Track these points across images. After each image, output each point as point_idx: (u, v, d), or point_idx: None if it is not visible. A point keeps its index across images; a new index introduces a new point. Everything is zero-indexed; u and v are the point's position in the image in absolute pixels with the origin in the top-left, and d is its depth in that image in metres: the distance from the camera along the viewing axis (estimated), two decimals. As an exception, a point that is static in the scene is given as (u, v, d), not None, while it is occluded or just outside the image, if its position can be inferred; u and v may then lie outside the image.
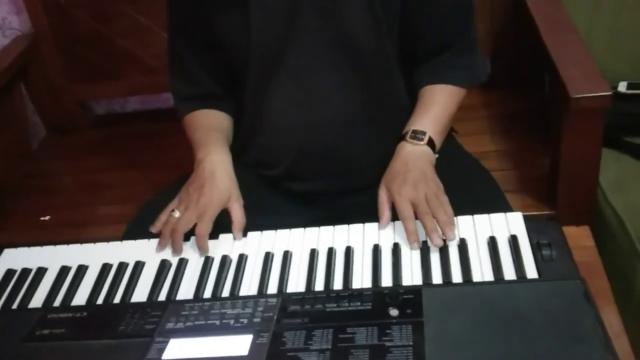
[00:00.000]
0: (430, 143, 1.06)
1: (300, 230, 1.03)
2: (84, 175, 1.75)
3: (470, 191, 1.08)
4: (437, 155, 1.08)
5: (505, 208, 1.08)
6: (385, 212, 1.01)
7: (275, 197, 1.20)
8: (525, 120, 1.65)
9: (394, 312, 0.83)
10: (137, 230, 1.13)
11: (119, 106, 1.97)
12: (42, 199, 1.68)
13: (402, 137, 1.07)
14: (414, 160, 1.04)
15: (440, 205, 0.96)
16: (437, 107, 1.09)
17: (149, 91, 1.85)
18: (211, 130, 1.15)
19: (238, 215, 1.05)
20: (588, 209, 1.32)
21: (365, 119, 1.11)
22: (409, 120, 1.10)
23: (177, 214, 1.04)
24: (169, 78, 1.22)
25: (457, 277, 0.88)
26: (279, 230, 1.03)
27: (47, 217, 1.58)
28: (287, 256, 0.97)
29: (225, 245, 1.02)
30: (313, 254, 0.97)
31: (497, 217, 0.98)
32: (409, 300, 0.84)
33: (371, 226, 1.01)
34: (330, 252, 0.96)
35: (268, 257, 0.98)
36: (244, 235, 1.04)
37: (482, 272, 0.89)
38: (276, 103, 1.11)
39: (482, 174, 1.18)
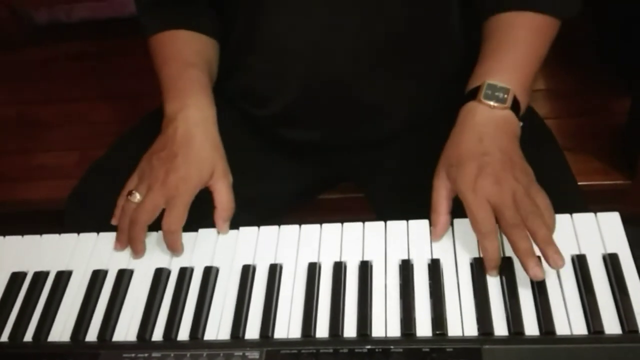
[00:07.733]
0: (515, 106, 0.70)
1: (293, 228, 0.72)
2: (22, 109, 1.40)
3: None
4: (522, 124, 0.72)
5: (577, 198, 0.78)
6: (441, 216, 0.67)
7: (261, 149, 0.91)
8: (587, 49, 1.22)
9: (441, 395, 0.54)
10: (79, 212, 0.85)
11: (63, 14, 1.58)
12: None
13: (470, 95, 0.72)
14: (492, 134, 0.68)
15: (535, 212, 0.63)
16: (522, 48, 0.72)
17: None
18: (188, 67, 0.81)
19: (224, 198, 0.74)
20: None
21: (400, 48, 0.79)
22: (478, 65, 0.74)
23: (136, 197, 0.73)
24: None
25: (531, 326, 0.59)
26: (262, 228, 0.72)
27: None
28: (274, 272, 0.67)
29: (203, 245, 0.72)
30: (313, 271, 0.66)
31: (580, 219, 0.67)
32: (463, 371, 0.55)
33: (401, 226, 0.70)
34: (339, 269, 0.66)
35: (247, 273, 0.68)
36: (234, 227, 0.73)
37: (568, 318, 0.59)
38: (279, 13, 0.78)
39: (546, 138, 0.86)
